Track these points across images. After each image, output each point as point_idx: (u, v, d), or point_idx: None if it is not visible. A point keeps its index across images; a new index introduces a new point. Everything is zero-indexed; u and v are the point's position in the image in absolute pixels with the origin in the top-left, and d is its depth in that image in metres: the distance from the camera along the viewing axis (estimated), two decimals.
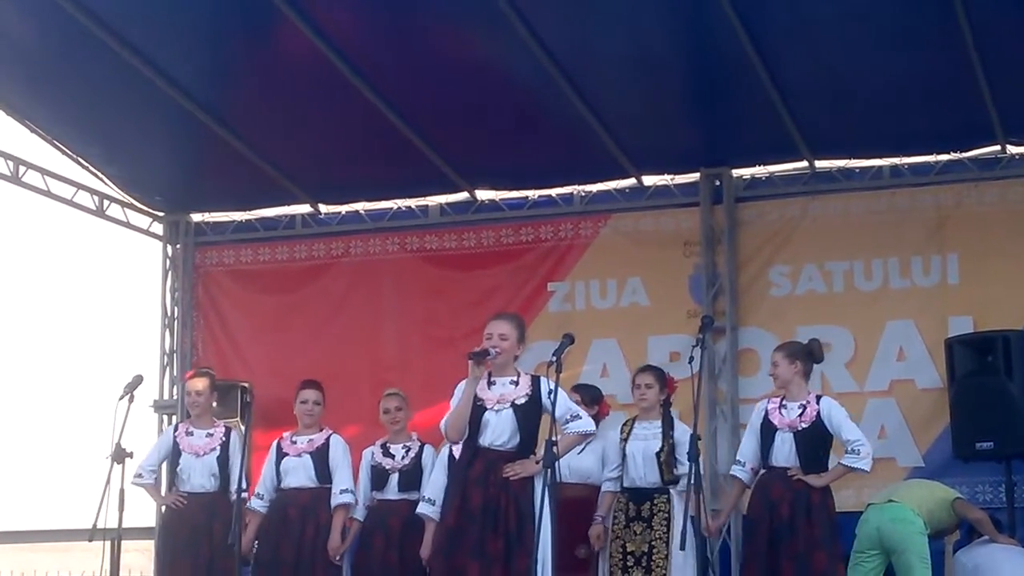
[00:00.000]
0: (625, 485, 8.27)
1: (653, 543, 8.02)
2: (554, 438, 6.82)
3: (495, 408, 7.18)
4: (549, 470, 6.66)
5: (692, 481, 7.14)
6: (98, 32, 8.99)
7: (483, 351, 7.15)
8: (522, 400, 7.20)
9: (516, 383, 7.24)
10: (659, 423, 8.26)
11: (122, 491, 7.95)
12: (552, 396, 7.00)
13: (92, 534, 8.01)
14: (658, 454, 8.17)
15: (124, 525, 8.08)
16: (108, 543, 8.56)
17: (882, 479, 9.02)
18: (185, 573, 8.69)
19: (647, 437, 8.24)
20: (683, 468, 8.07)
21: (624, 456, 8.27)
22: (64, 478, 13.38)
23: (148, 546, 11.10)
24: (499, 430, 7.16)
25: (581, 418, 7.27)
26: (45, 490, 13.68)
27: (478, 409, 7.17)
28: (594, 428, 7.52)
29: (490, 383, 7.22)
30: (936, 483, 8.89)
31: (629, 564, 8.11)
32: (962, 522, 8.86)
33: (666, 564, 7.74)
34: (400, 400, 8.92)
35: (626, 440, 8.32)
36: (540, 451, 6.90)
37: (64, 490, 12.94)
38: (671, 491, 8.11)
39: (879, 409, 9.66)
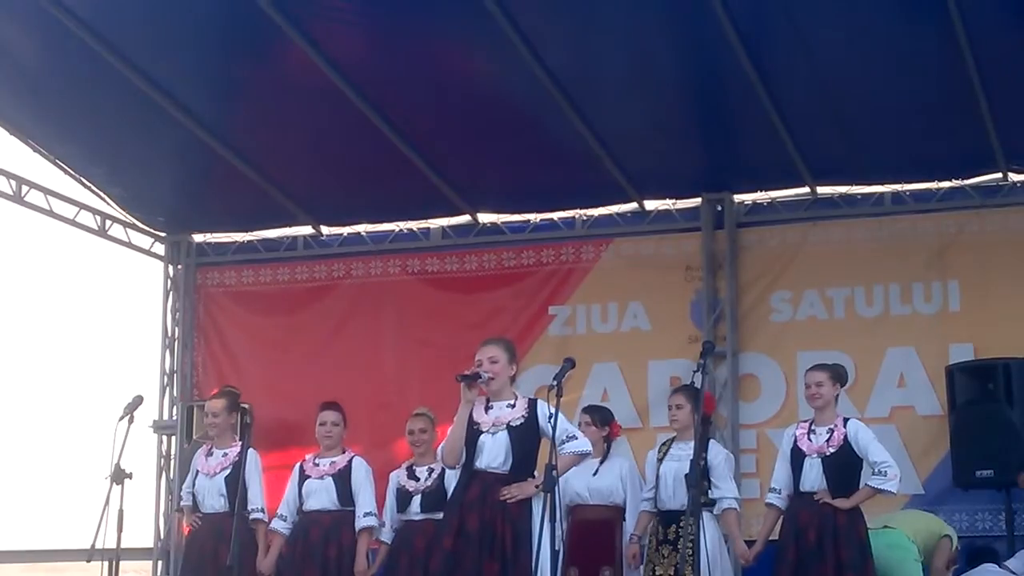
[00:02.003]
0: (657, 507, 8.25)
1: (679, 566, 7.98)
2: (554, 463, 6.82)
3: (490, 431, 7.21)
4: (549, 495, 6.66)
5: (690, 507, 7.12)
6: (102, 52, 9.01)
7: (473, 374, 7.18)
8: (517, 422, 7.21)
9: (513, 406, 7.26)
10: (693, 443, 8.17)
11: (120, 512, 7.92)
12: (552, 420, 7.00)
13: (90, 555, 7.98)
14: (687, 476, 8.09)
15: (122, 546, 8.06)
16: (106, 563, 8.55)
17: (882, 506, 8.98)
18: None
19: (681, 458, 8.12)
20: (718, 491, 8.08)
21: (658, 476, 8.24)
22: (62, 498, 13.36)
23: (146, 567, 11.11)
24: (494, 452, 7.17)
25: (577, 439, 7.28)
26: (43, 509, 13.66)
27: (474, 432, 7.18)
28: (590, 448, 7.48)
29: (487, 407, 7.25)
30: (932, 516, 8.91)
31: None
32: (963, 551, 8.87)
33: None
34: (426, 421, 8.94)
35: (662, 460, 8.28)
36: (540, 475, 6.90)
37: (62, 510, 12.92)
38: (704, 513, 8.05)
39: (879, 436, 9.43)
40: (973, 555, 8.85)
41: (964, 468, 9.18)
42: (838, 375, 8.01)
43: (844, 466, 7.83)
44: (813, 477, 7.84)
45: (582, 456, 7.35)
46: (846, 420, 7.98)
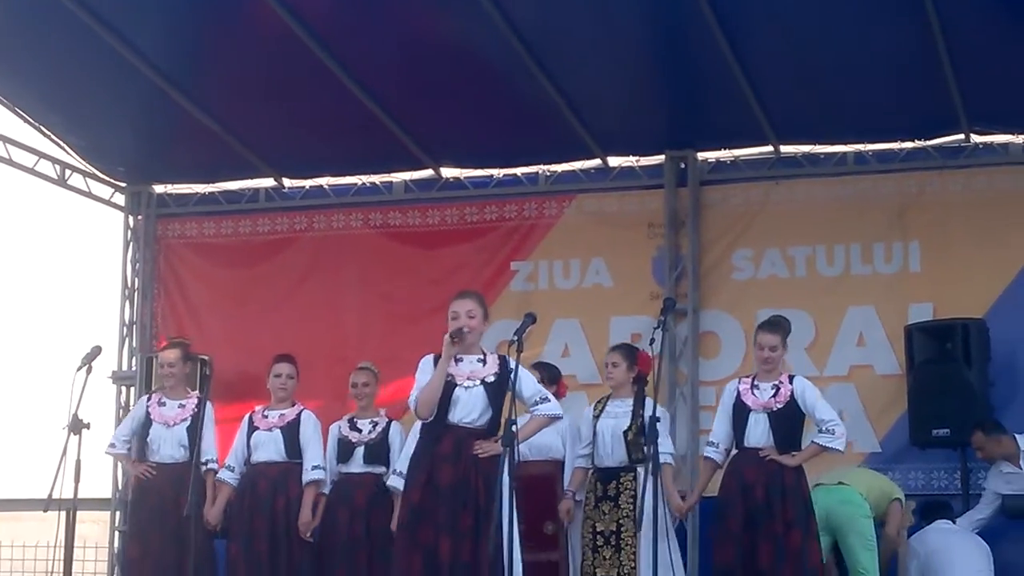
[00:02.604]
0: (595, 464, 8.27)
1: (621, 521, 8.03)
2: (514, 417, 6.83)
3: (465, 385, 7.21)
4: (509, 449, 6.67)
5: (651, 463, 7.16)
6: (62, 0, 8.91)
7: (458, 330, 7.17)
8: (492, 378, 7.24)
9: (484, 361, 7.28)
10: (631, 401, 8.26)
11: (78, 462, 7.89)
12: (514, 375, 7.01)
13: (47, 505, 7.97)
14: (625, 432, 8.18)
15: (80, 496, 8.04)
16: (63, 513, 8.53)
17: (827, 463, 9.01)
18: (153, 544, 8.68)
19: (618, 415, 8.24)
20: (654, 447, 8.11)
21: (595, 434, 8.27)
22: (20, 447, 13.30)
23: (103, 517, 11.09)
24: (470, 407, 7.19)
25: (550, 401, 7.33)
26: (1, 459, 13.60)
27: (448, 386, 7.18)
28: (561, 413, 7.54)
29: (457, 360, 7.24)
30: (884, 477, 9.01)
31: (599, 544, 8.12)
32: (918, 506, 8.97)
33: (634, 542, 7.73)
34: (369, 375, 8.95)
35: (598, 418, 8.32)
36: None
37: (20, 459, 12.87)
38: (638, 469, 8.10)
39: (838, 394, 9.65)
40: (927, 510, 8.94)
41: (921, 427, 9.24)
42: (787, 332, 8.04)
43: (790, 422, 7.89)
44: (759, 432, 7.89)
45: (554, 419, 7.39)
46: (791, 377, 8.02)
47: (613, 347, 8.60)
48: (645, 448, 7.99)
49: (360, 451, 8.75)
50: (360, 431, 8.82)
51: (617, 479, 8.18)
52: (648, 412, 8.10)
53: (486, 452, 7.10)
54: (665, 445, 8.20)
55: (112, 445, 9.02)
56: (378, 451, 8.68)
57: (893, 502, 8.86)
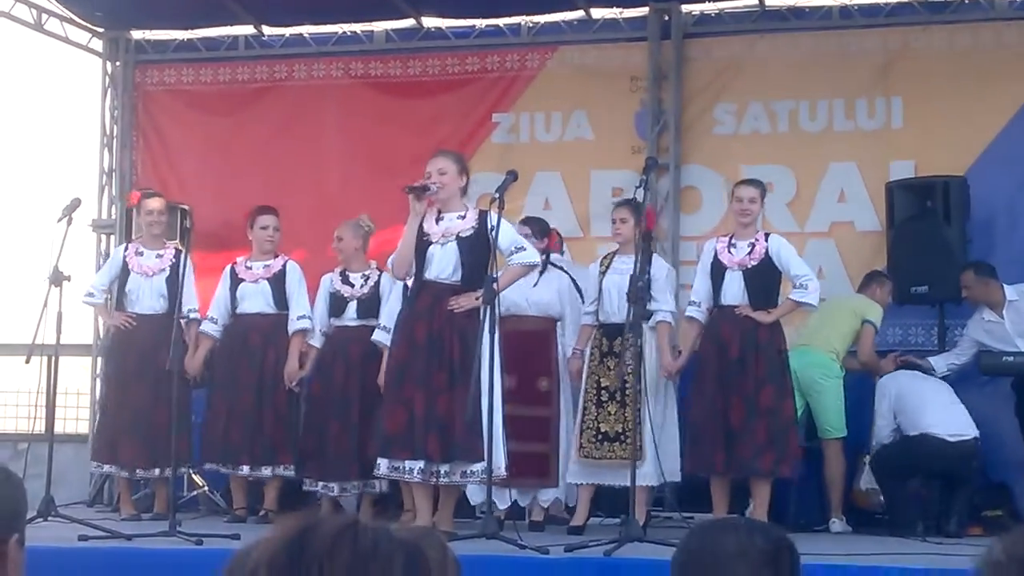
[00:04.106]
0: (600, 320, 8.27)
1: (625, 377, 8.08)
2: (495, 274, 6.86)
3: (440, 242, 7.25)
4: (490, 306, 6.71)
5: (631, 322, 7.19)
6: None
7: (422, 186, 7.19)
8: (467, 233, 7.27)
9: (463, 217, 7.30)
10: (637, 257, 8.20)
11: (59, 314, 7.92)
12: (495, 232, 7.03)
13: (29, 354, 8.02)
14: (628, 291, 8.16)
15: (61, 342, 8.08)
16: (45, 359, 8.58)
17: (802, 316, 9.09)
18: (135, 396, 8.75)
19: (623, 272, 8.16)
20: (656, 304, 8.15)
21: (600, 290, 8.27)
22: (2, 294, 13.31)
23: (85, 363, 11.14)
24: (443, 263, 7.24)
25: (525, 250, 7.37)
26: None
27: (424, 243, 7.22)
28: (538, 260, 7.59)
29: (438, 219, 7.27)
30: (856, 299, 9.02)
31: (603, 399, 8.15)
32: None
33: (639, 398, 7.77)
34: (344, 228, 8.91)
35: (604, 274, 8.30)
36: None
37: (2, 306, 12.88)
38: (644, 326, 8.13)
39: (818, 250, 9.72)
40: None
41: (900, 284, 9.29)
42: (764, 192, 8.09)
43: (765, 280, 7.94)
44: (734, 290, 7.95)
45: (530, 267, 7.43)
46: (767, 235, 8.06)
47: (620, 202, 8.51)
48: (649, 303, 8.04)
49: (352, 305, 8.77)
50: (352, 285, 8.82)
51: (622, 335, 8.19)
52: (654, 268, 8.13)
53: (461, 307, 7.15)
54: (666, 302, 8.23)
55: (90, 295, 9.01)
56: (371, 304, 8.69)
57: (865, 325, 8.93)
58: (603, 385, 8.14)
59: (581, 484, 8.23)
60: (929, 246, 9.16)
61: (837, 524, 8.74)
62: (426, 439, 7.15)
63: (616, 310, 8.09)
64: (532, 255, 7.44)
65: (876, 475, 8.71)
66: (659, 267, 8.27)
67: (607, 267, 8.31)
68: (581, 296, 8.57)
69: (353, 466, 8.36)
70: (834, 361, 8.82)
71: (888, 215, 9.46)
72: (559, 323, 8.61)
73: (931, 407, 8.56)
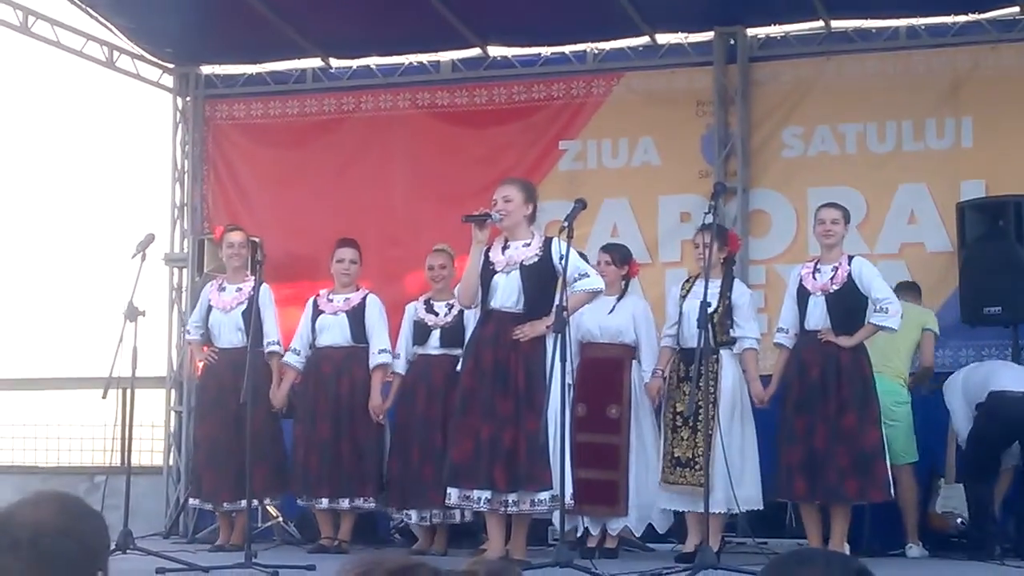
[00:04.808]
0: (679, 343, 8.26)
1: (700, 403, 8.05)
2: (564, 303, 6.87)
3: (504, 270, 7.28)
4: (560, 335, 6.71)
5: (700, 347, 7.16)
6: None
7: (481, 215, 7.22)
8: (531, 261, 7.29)
9: (528, 245, 7.32)
10: (719, 282, 8.13)
11: (134, 349, 8.00)
12: (564, 261, 7.04)
13: (106, 390, 8.11)
14: (712, 314, 8.13)
15: (136, 376, 8.16)
16: (120, 392, 8.69)
17: None
18: (213, 428, 8.88)
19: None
20: (739, 330, 8.13)
21: (680, 313, 8.26)
22: (78, 328, 13.47)
23: (160, 395, 11.24)
24: (507, 292, 7.27)
25: (589, 276, 7.37)
26: (59, 341, 13.78)
27: (489, 272, 7.25)
28: (602, 285, 7.57)
29: (504, 247, 7.30)
30: (918, 308, 8.93)
31: (678, 424, 8.14)
32: None
33: (712, 424, 7.74)
34: (446, 258, 8.97)
35: (684, 297, 8.28)
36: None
37: (78, 341, 13.03)
38: (721, 352, 8.11)
39: (889, 272, 9.57)
40: None
41: (972, 305, 9.21)
42: (848, 216, 8.08)
43: (848, 303, 7.89)
44: (817, 315, 7.91)
45: (594, 294, 7.42)
46: (851, 258, 8.02)
47: (702, 226, 8.48)
48: (732, 330, 8.02)
49: (436, 333, 8.80)
50: (436, 314, 8.86)
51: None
52: (735, 294, 8.11)
53: (525, 336, 7.17)
54: (751, 329, 8.20)
55: (188, 332, 9.40)
56: (454, 333, 8.70)
57: (925, 333, 8.87)
58: (678, 410, 8.12)
59: (687, 511, 8.17)
60: (1001, 266, 9.07)
61: (914, 549, 8.66)
62: (492, 468, 7.17)
63: (694, 334, 8.01)
64: (596, 281, 7.44)
65: (961, 475, 8.58)
66: (741, 292, 8.23)
67: (687, 291, 8.27)
68: None
69: (434, 494, 8.34)
70: (903, 387, 8.77)
71: (959, 235, 9.39)
72: (634, 349, 8.55)
73: (997, 373, 8.46)
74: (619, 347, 8.48)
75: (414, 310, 8.95)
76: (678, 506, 8.18)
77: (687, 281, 8.42)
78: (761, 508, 8.19)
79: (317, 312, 8.92)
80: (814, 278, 7.97)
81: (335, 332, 8.85)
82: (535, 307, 7.26)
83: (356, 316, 8.85)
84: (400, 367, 8.88)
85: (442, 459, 8.04)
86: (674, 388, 8.19)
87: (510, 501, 7.25)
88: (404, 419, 8.78)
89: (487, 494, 7.23)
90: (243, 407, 7.94)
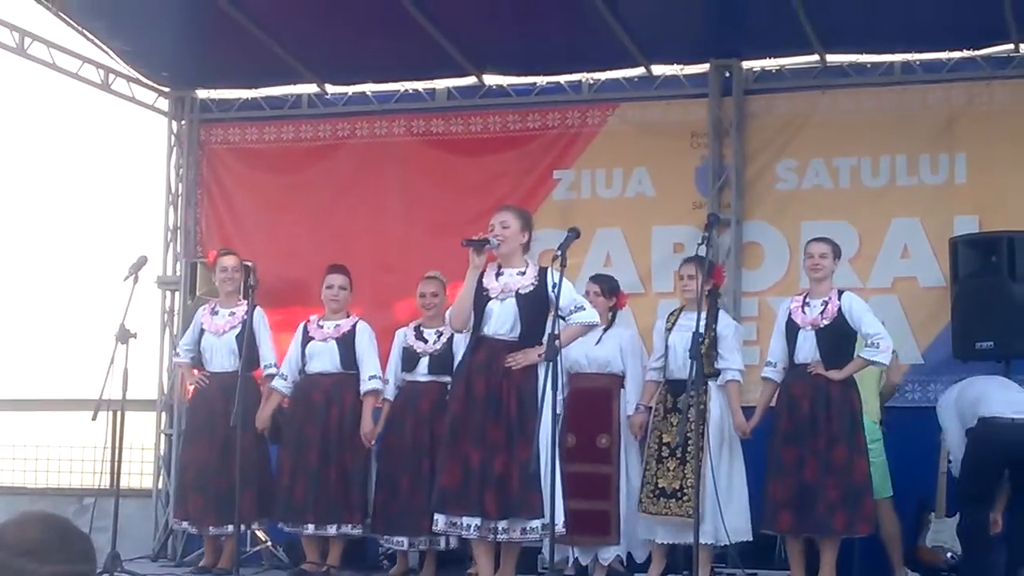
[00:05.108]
0: (666, 376, 8.29)
1: (688, 435, 8.07)
2: (556, 331, 6.88)
3: (499, 297, 7.28)
4: (551, 363, 6.72)
5: (692, 378, 7.18)
6: None
7: (481, 239, 7.24)
8: (526, 290, 7.30)
9: (523, 273, 7.33)
10: (704, 314, 8.20)
11: (125, 371, 8.01)
12: (556, 289, 7.05)
13: (96, 412, 8.10)
14: (699, 345, 8.15)
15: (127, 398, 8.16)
16: (110, 415, 8.68)
17: None
18: (201, 451, 8.86)
19: (690, 328, 8.18)
20: (723, 362, 8.15)
21: (667, 346, 8.28)
22: (69, 349, 13.46)
23: (150, 418, 11.22)
24: (501, 319, 7.27)
25: (584, 309, 7.38)
26: (48, 361, 13.77)
27: (483, 298, 7.25)
28: (597, 319, 7.60)
29: (498, 273, 7.31)
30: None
31: (664, 455, 8.16)
32: None
33: (700, 455, 7.79)
34: (437, 285, 8.99)
35: (670, 330, 8.31)
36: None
37: (68, 361, 13.03)
38: (709, 383, 8.12)
39: (881, 306, 9.59)
40: None
41: (964, 340, 9.22)
42: (837, 250, 8.10)
43: (837, 338, 7.91)
44: (807, 349, 7.94)
45: (589, 327, 7.44)
46: (840, 292, 8.04)
47: (687, 259, 8.51)
48: (717, 362, 8.03)
49: (425, 360, 8.81)
50: (426, 341, 8.87)
51: (686, 391, 8.18)
52: (720, 325, 8.13)
53: (518, 364, 7.17)
54: (735, 361, 8.23)
55: (177, 354, 9.33)
56: (443, 361, 8.72)
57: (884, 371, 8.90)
58: (664, 441, 8.14)
59: (653, 541, 8.21)
60: (993, 301, 9.09)
61: None
62: (482, 495, 7.15)
63: (681, 366, 8.07)
64: (591, 315, 7.46)
65: (956, 502, 8.54)
66: (726, 324, 8.27)
67: (673, 324, 8.32)
68: None
69: (422, 520, 8.33)
70: (876, 425, 8.76)
71: (952, 270, 9.40)
72: (622, 379, 8.59)
73: (988, 397, 8.37)
74: (607, 377, 8.51)
75: (404, 336, 8.96)
76: (663, 538, 8.19)
77: (672, 314, 8.45)
78: (750, 539, 8.19)
79: (307, 338, 8.93)
80: (803, 312, 7.99)
81: (325, 359, 8.85)
82: (529, 336, 7.28)
83: (346, 343, 8.85)
84: (389, 392, 8.88)
85: (430, 485, 8.04)
86: (660, 419, 8.22)
87: (500, 528, 7.24)
88: (391, 445, 8.78)
89: (476, 521, 7.22)
90: (232, 431, 7.94)
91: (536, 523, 7.16)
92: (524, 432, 7.02)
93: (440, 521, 7.35)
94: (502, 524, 7.22)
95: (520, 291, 7.33)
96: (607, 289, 8.59)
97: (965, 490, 8.38)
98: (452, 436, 7.35)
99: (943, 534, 8.83)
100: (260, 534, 9.66)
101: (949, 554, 8.75)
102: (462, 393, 7.35)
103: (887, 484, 8.72)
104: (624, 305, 8.84)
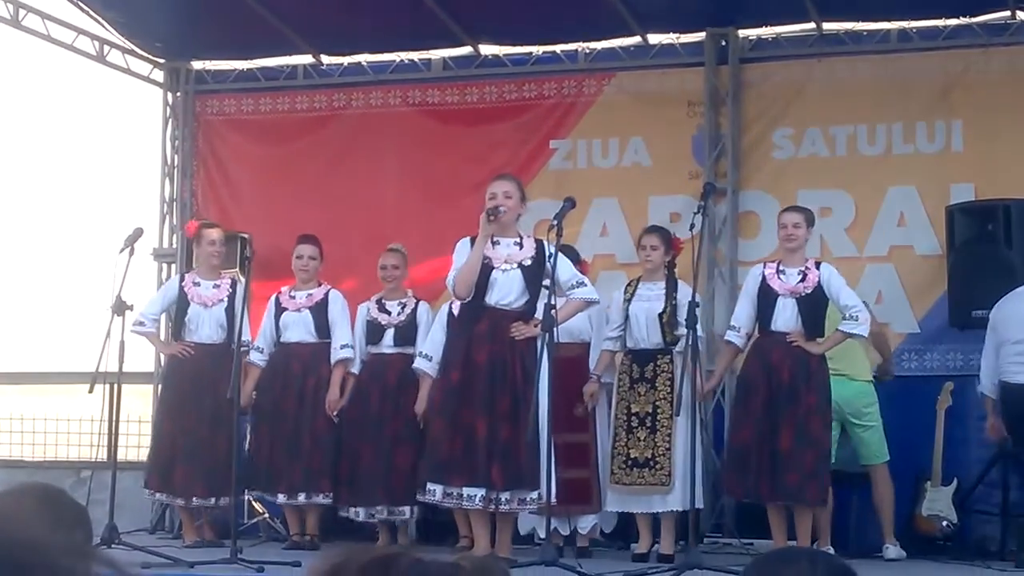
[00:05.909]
0: (629, 346, 8.30)
1: (657, 403, 8.10)
2: (553, 302, 6.88)
3: (502, 268, 7.27)
4: (548, 334, 6.73)
5: (690, 347, 7.20)
6: None
7: (496, 208, 7.22)
8: (528, 262, 7.29)
9: (520, 245, 7.33)
10: (663, 284, 8.28)
11: (122, 342, 8.00)
12: (552, 260, 7.05)
13: (92, 384, 8.09)
14: (661, 315, 8.21)
15: (123, 371, 8.15)
16: (107, 387, 8.67)
17: None
18: (189, 422, 8.82)
19: (651, 298, 8.26)
20: (682, 329, 8.15)
21: (627, 317, 8.29)
22: (65, 322, 13.46)
23: (147, 390, 11.22)
24: (506, 289, 7.26)
25: (586, 285, 7.40)
26: (46, 335, 13.76)
27: (485, 268, 7.23)
28: (597, 297, 7.61)
29: (494, 243, 7.29)
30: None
31: (634, 425, 8.18)
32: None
33: (670, 424, 7.83)
34: (399, 257, 8.98)
35: (629, 301, 8.33)
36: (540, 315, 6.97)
37: (65, 335, 13.02)
38: (673, 352, 8.16)
39: (877, 274, 9.67)
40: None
41: (961, 308, 9.23)
42: (811, 219, 8.08)
43: (817, 308, 7.95)
44: (787, 317, 7.92)
45: (588, 304, 7.45)
46: (818, 263, 8.04)
47: (649, 229, 8.57)
48: (677, 330, 8.05)
49: (390, 332, 8.83)
50: (389, 313, 8.88)
51: (654, 361, 8.22)
52: (680, 294, 8.16)
53: (523, 334, 7.17)
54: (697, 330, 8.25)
55: (141, 323, 8.90)
56: (407, 332, 8.77)
57: (883, 326, 8.93)
58: (633, 411, 8.17)
59: (639, 512, 8.23)
60: (990, 269, 9.08)
61: (891, 550, 8.64)
62: (489, 466, 7.14)
63: (645, 336, 8.18)
64: (592, 292, 7.51)
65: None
66: (685, 293, 8.26)
67: (632, 294, 8.34)
68: None
69: (379, 490, 8.40)
70: (870, 384, 8.76)
71: (948, 238, 9.40)
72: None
73: (1009, 357, 8.43)
74: (579, 346, 8.55)
75: (367, 310, 8.96)
76: (635, 508, 8.23)
77: (629, 285, 8.46)
78: (700, 508, 8.17)
79: (280, 309, 8.93)
80: (780, 279, 7.96)
81: (300, 328, 8.88)
82: (531, 307, 7.30)
83: (319, 311, 8.88)
84: (355, 367, 8.89)
85: (391, 456, 8.05)
86: (627, 390, 8.24)
87: (503, 499, 7.23)
88: (357, 417, 8.79)
89: (481, 491, 7.20)
90: (224, 403, 7.95)
91: (534, 494, 7.16)
92: (528, 402, 7.03)
93: (437, 491, 7.32)
94: (504, 495, 7.22)
95: (523, 263, 7.33)
96: (569, 259, 8.56)
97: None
98: (452, 406, 7.31)
99: (939, 503, 8.84)
100: (257, 506, 9.67)
101: (945, 523, 8.77)
102: (461, 362, 7.32)
103: (884, 449, 8.72)
104: (586, 272, 8.81)
